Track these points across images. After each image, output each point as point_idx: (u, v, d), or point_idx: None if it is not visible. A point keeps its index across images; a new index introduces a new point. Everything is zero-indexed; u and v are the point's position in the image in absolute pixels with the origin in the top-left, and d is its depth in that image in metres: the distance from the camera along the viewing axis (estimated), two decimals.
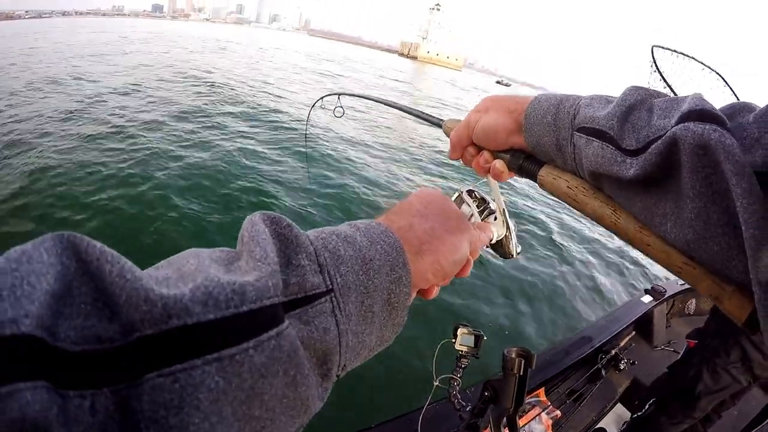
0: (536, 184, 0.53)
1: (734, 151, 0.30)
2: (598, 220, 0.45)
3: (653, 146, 0.36)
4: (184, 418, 0.20)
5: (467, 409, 1.50)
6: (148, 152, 5.75)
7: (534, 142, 0.51)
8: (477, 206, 0.70)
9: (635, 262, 5.89)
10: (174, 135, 6.63)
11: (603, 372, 2.46)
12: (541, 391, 2.07)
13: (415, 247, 0.39)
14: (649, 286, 3.30)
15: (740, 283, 0.33)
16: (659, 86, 1.83)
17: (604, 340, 2.50)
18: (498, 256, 0.72)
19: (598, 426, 2.46)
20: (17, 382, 0.16)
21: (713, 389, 2.02)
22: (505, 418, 1.15)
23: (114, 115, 7.48)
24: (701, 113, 0.35)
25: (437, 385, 1.41)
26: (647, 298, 3.12)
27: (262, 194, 5.01)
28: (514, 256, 0.71)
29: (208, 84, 11.74)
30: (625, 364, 2.57)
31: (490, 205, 0.69)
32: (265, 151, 6.46)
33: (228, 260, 0.28)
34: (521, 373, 1.11)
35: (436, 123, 0.72)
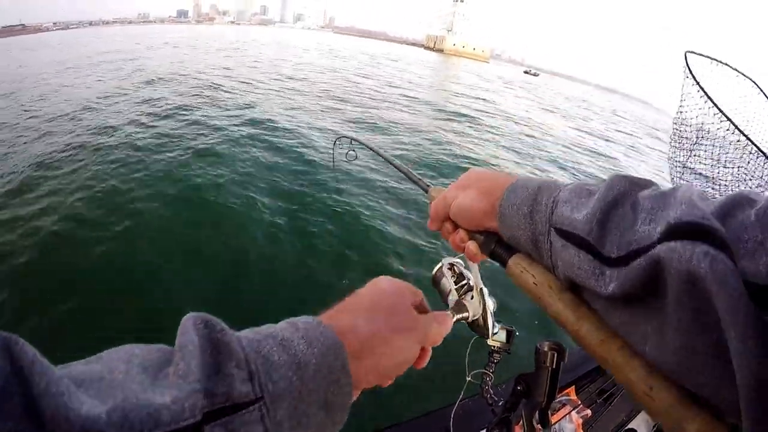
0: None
1: (729, 282, 0.26)
2: (560, 324, 0.43)
3: (635, 263, 0.33)
4: None
5: (499, 403, 1.54)
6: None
7: (509, 233, 0.50)
8: (455, 282, 0.69)
9: None
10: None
11: None
12: (572, 389, 2.10)
13: (356, 350, 0.38)
14: None
15: (716, 411, 0.31)
16: (693, 91, 1.83)
17: None
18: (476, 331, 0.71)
19: (628, 426, 2.46)
20: None
21: None
22: (537, 413, 1.19)
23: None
24: (691, 227, 0.30)
25: (469, 381, 1.45)
26: None
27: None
28: (490, 337, 0.69)
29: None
30: None
31: (470, 281, 0.68)
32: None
33: (158, 366, 0.29)
34: (554, 367, 1.13)
35: (423, 187, 0.70)
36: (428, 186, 0.69)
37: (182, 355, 0.29)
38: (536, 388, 1.15)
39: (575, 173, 8.04)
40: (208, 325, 0.31)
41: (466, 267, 0.70)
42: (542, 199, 0.45)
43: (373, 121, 9.50)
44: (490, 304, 0.69)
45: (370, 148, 1.06)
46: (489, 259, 0.56)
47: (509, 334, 1.39)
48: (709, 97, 1.77)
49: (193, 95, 10.27)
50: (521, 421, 1.26)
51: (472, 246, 0.56)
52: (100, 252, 3.97)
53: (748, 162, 1.83)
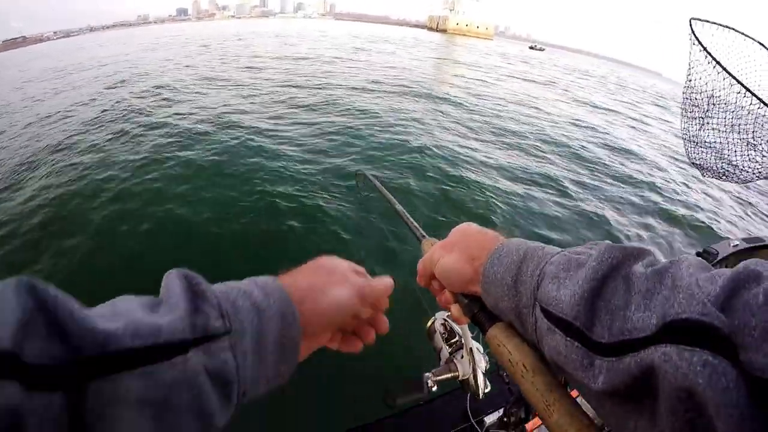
0: None
1: (730, 401, 0.24)
2: (532, 404, 0.42)
3: (627, 360, 0.31)
4: (116, 413, 0.27)
5: None
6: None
7: (492, 302, 0.48)
8: (446, 339, 0.70)
9: (683, 226, 5.67)
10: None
11: None
12: None
13: (299, 297, 0.44)
14: (700, 249, 3.16)
15: None
16: (701, 58, 1.78)
17: None
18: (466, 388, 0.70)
19: None
20: None
21: None
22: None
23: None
24: (688, 326, 0.28)
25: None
26: None
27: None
28: (481, 396, 0.69)
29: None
30: None
31: (461, 339, 0.68)
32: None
33: (152, 306, 0.35)
34: None
35: (418, 237, 0.68)
36: (423, 236, 0.67)
37: (169, 298, 0.36)
38: None
39: (569, 152, 7.66)
40: (188, 277, 0.38)
41: (454, 323, 0.70)
42: (527, 270, 0.43)
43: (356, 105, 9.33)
44: (482, 364, 0.68)
45: (379, 190, 1.06)
46: None
47: None
48: (716, 61, 1.73)
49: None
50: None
51: (455, 310, 0.55)
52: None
53: (763, 125, 1.78)
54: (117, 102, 9.45)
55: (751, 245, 3.32)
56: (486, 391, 0.69)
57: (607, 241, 0.40)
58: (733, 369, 0.25)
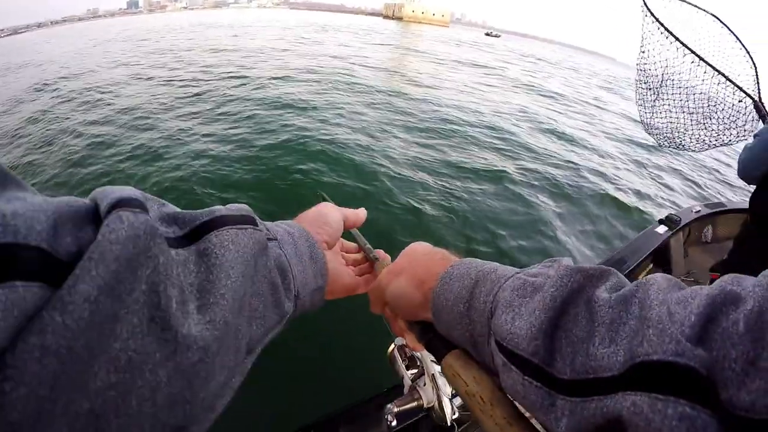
0: None
1: None
2: None
3: (591, 406, 0.28)
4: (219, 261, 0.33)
5: None
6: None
7: (445, 331, 0.44)
8: (407, 366, 0.67)
9: (647, 194, 5.84)
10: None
11: None
12: None
13: (309, 228, 0.54)
14: (663, 217, 3.20)
15: None
16: (653, 29, 1.79)
17: (623, 274, 2.46)
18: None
19: None
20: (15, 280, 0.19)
21: None
22: None
23: None
24: (661, 369, 0.24)
25: None
26: (662, 228, 3.00)
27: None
28: (448, 423, 0.65)
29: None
30: None
31: (423, 366, 0.65)
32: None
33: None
34: None
35: (372, 258, 0.65)
36: (376, 258, 0.62)
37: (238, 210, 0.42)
38: None
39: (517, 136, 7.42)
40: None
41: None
42: (480, 295, 0.39)
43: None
44: (447, 389, 0.64)
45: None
46: None
47: None
48: (668, 31, 1.74)
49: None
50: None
51: (409, 339, 0.51)
52: None
53: (717, 93, 1.81)
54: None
55: (713, 210, 3.44)
56: (454, 417, 0.64)
57: (567, 260, 0.37)
58: (713, 420, 0.22)
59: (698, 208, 3.41)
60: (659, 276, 0.30)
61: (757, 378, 0.21)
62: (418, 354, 0.67)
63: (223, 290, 0.31)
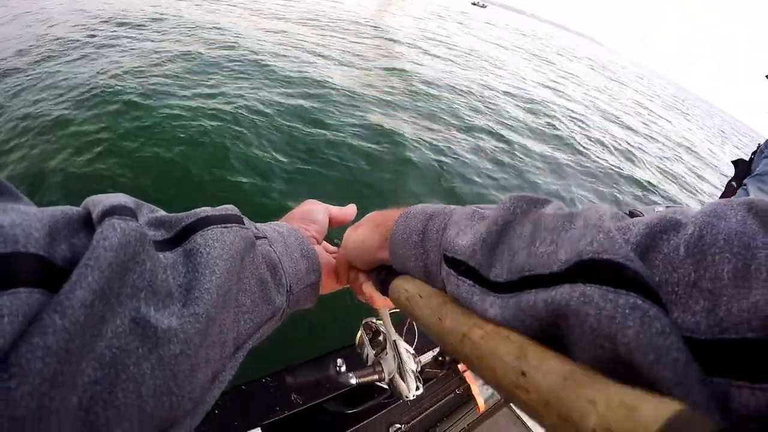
0: None
1: (668, 344, 0.20)
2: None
3: (526, 297, 0.27)
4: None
5: None
6: None
7: (400, 265, 0.44)
8: (370, 340, 0.66)
9: (611, 187, 5.93)
10: None
11: None
12: None
13: (297, 226, 0.56)
14: (626, 211, 3.26)
15: None
16: None
17: None
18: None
19: None
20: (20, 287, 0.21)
21: None
22: None
23: None
24: (610, 268, 0.23)
25: None
26: None
27: None
28: (410, 397, 0.63)
29: None
30: None
31: (385, 334, 0.64)
32: None
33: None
34: None
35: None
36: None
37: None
38: None
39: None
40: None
41: (380, 321, 0.66)
42: (434, 226, 0.40)
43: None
44: (410, 363, 0.62)
45: None
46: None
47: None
48: None
49: None
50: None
51: (366, 287, 0.51)
52: None
53: None
54: None
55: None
56: (417, 393, 0.61)
57: (515, 193, 0.36)
58: (665, 315, 0.21)
59: (661, 209, 3.45)
60: (604, 205, 0.30)
61: (700, 299, 0.21)
62: (381, 326, 0.65)
63: (207, 285, 0.31)
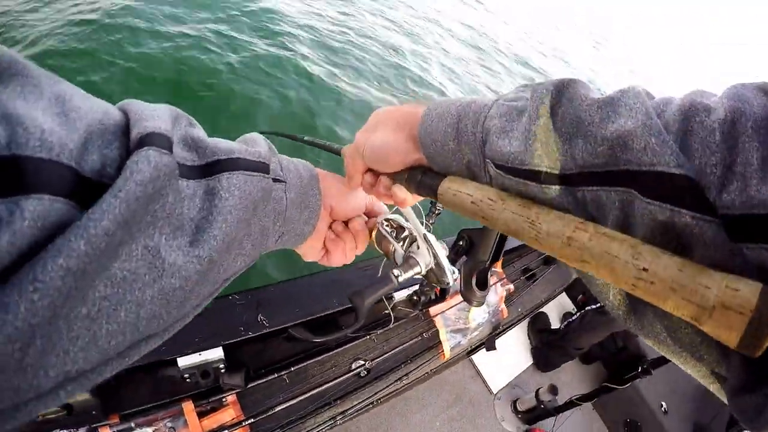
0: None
1: (735, 261, 0.23)
2: (515, 235, 0.36)
3: (610, 197, 0.29)
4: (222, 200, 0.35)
5: None
6: None
7: (443, 168, 0.44)
8: (396, 237, 0.65)
9: None
10: None
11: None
12: (498, 262, 2.04)
13: (322, 183, 0.55)
14: None
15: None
16: None
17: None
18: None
19: (540, 310, 2.55)
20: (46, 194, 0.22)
21: None
22: (476, 273, 1.05)
23: None
24: (663, 177, 0.26)
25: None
26: None
27: None
28: (450, 283, 0.65)
29: None
30: None
31: (411, 231, 0.64)
32: None
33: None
34: None
35: (335, 151, 0.64)
36: (340, 147, 0.62)
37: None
38: (481, 246, 1.00)
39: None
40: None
41: (404, 218, 0.65)
42: (467, 128, 0.39)
43: None
44: (440, 249, 0.64)
45: (280, 134, 1.09)
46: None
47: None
48: None
49: None
50: (458, 280, 1.11)
51: (397, 191, 0.50)
52: None
53: None
54: None
55: None
56: (455, 278, 0.63)
57: (538, 81, 0.37)
58: (712, 224, 0.24)
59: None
60: (635, 87, 0.31)
61: (734, 180, 0.24)
62: (405, 221, 0.65)
63: (216, 231, 0.33)
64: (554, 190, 0.32)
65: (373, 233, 0.68)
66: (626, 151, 0.28)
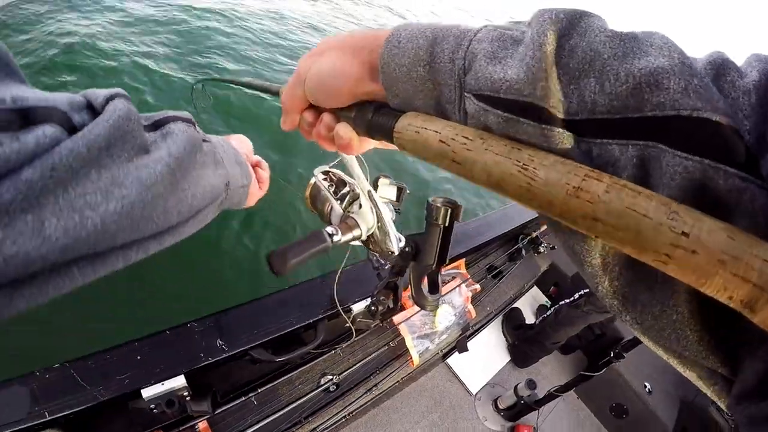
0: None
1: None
2: (497, 185, 0.28)
3: (626, 152, 0.24)
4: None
5: (386, 267, 1.43)
6: None
7: (403, 102, 0.36)
8: (335, 192, 0.57)
9: None
10: None
11: (523, 252, 2.52)
12: (462, 263, 2.08)
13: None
14: None
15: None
16: None
17: (526, 221, 2.52)
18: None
19: (514, 306, 2.59)
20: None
21: None
22: (426, 277, 1.07)
23: None
24: (706, 125, 0.22)
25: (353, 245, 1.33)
26: None
27: None
28: (395, 251, 0.57)
29: None
30: (544, 248, 2.66)
31: (354, 187, 0.56)
32: None
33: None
34: (446, 225, 1.02)
35: (274, 91, 0.55)
36: (279, 88, 0.52)
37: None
38: (426, 250, 1.02)
39: None
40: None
41: (346, 172, 0.58)
42: (444, 54, 0.32)
43: None
44: (386, 212, 0.56)
45: (222, 80, 1.07)
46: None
47: (400, 191, 1.24)
48: None
49: None
50: (409, 286, 1.13)
51: (341, 130, 0.41)
52: None
53: None
54: None
55: None
56: (400, 245, 0.56)
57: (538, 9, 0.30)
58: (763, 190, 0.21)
59: None
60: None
61: (765, 152, 0.21)
62: (348, 177, 0.58)
63: (170, 142, 0.37)
64: (559, 133, 0.26)
65: (308, 188, 0.60)
66: (658, 91, 0.23)
